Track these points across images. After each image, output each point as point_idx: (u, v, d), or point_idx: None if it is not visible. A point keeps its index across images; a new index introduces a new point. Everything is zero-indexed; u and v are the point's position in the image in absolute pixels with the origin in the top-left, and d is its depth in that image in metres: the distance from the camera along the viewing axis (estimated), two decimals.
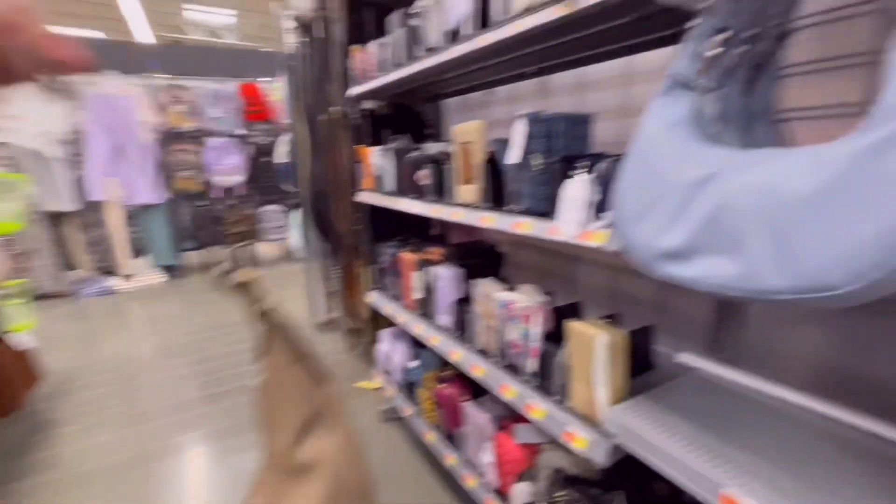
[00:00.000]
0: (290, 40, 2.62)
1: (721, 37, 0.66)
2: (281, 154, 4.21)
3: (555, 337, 1.06)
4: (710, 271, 0.54)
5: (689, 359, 0.99)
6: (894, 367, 0.77)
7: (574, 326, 0.91)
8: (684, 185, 0.58)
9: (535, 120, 0.89)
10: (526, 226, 0.93)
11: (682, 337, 1.11)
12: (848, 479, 0.62)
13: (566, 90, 1.37)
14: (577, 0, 0.74)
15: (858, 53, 0.75)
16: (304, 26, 2.43)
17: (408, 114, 2.05)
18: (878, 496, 0.58)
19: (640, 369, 1.09)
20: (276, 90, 4.58)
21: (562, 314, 1.15)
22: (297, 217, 3.79)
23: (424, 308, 1.56)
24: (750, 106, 0.76)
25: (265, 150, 4.69)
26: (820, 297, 0.45)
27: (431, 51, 1.25)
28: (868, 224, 0.42)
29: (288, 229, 4.83)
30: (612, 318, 1.18)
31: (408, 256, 1.62)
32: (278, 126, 4.61)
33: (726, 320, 0.99)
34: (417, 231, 1.97)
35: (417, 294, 1.57)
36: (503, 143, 1.06)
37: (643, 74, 1.14)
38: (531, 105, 1.52)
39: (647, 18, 0.83)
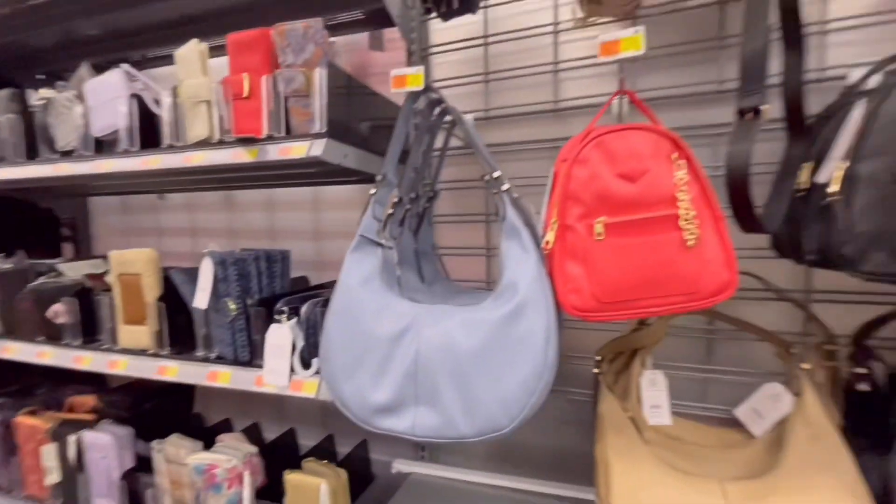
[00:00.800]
0: None
1: (393, 201, 0.79)
2: None
3: (271, 490, 0.93)
4: (418, 422, 0.60)
5: (402, 465, 1.06)
6: (532, 436, 1.05)
7: (292, 480, 0.83)
8: (385, 339, 0.64)
9: (224, 262, 0.80)
10: (224, 377, 0.80)
11: (394, 441, 1.19)
12: None
13: (256, 205, 1.33)
14: (265, 151, 0.74)
15: (481, 213, 1.05)
16: None
17: (26, 212, 1.49)
18: None
19: (362, 486, 1.09)
20: None
21: (275, 454, 1.03)
22: None
23: (66, 495, 1.08)
24: (418, 248, 0.93)
25: None
26: (494, 437, 0.56)
27: (69, 155, 0.97)
28: (512, 375, 0.56)
29: None
30: (328, 442, 1.15)
31: (29, 423, 1.11)
32: None
33: None
34: (52, 374, 1.40)
35: (52, 477, 1.08)
36: (187, 275, 0.90)
37: (331, 203, 1.24)
38: (216, 216, 1.38)
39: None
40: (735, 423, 0.82)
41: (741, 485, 0.67)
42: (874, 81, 0.64)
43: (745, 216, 0.64)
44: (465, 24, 1.00)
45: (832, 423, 0.68)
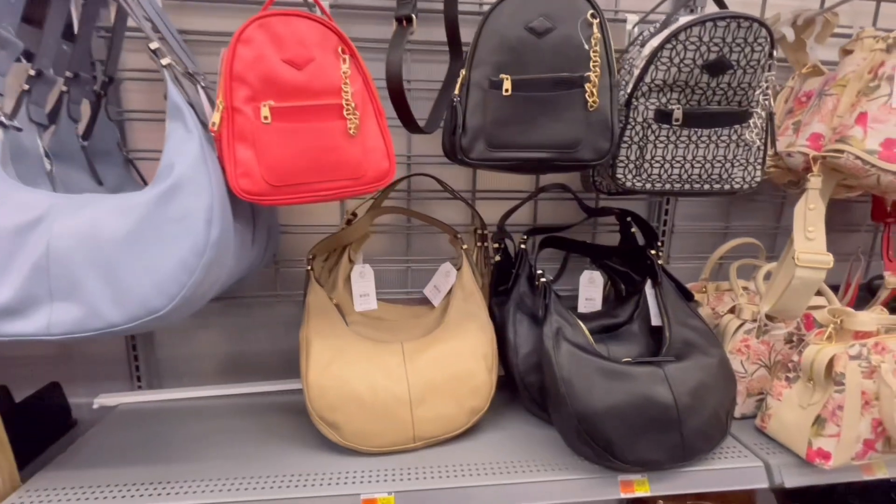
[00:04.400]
0: None
1: (29, 73, 0.64)
2: None
3: None
4: (54, 319, 0.53)
5: (107, 399, 0.95)
6: (264, 343, 1.07)
7: None
8: (6, 232, 0.53)
9: None
10: None
11: (103, 378, 1.04)
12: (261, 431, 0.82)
13: None
14: None
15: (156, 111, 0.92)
16: None
17: None
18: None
19: (57, 434, 0.94)
20: None
21: None
22: None
23: None
24: (93, 146, 0.78)
25: None
26: (151, 321, 0.54)
27: None
28: (168, 256, 0.54)
29: None
30: None
31: None
32: None
33: (138, 347, 1.02)
34: None
35: None
36: None
37: None
38: None
39: None
40: (426, 300, 1.01)
41: (416, 341, 0.84)
42: None
43: (405, 117, 0.75)
44: None
45: (477, 286, 0.90)
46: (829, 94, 0.81)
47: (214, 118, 0.59)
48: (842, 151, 0.72)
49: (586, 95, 0.62)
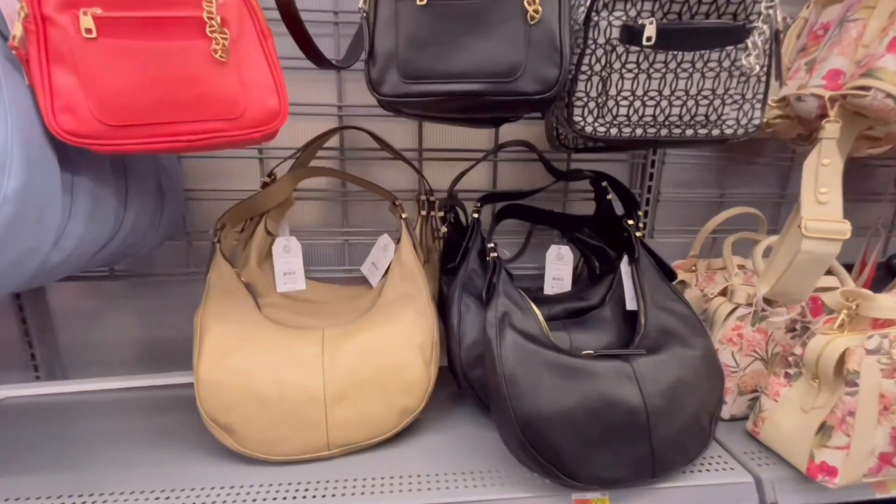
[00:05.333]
0: None
1: None
2: None
3: None
4: None
5: None
6: (180, 327, 0.93)
7: None
8: None
9: None
10: None
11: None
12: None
13: None
14: None
15: None
16: None
17: None
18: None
19: None
20: None
21: None
22: None
23: None
24: None
25: None
26: None
27: None
28: None
29: None
30: None
31: None
32: None
33: (34, 333, 0.88)
34: None
35: None
36: None
37: None
38: None
39: None
40: (366, 280, 0.86)
41: (341, 327, 0.70)
42: None
43: (305, 45, 0.59)
44: None
45: (418, 262, 0.75)
46: (853, 21, 0.64)
47: (16, 29, 0.44)
48: (868, 88, 0.56)
49: (525, 3, 0.46)
